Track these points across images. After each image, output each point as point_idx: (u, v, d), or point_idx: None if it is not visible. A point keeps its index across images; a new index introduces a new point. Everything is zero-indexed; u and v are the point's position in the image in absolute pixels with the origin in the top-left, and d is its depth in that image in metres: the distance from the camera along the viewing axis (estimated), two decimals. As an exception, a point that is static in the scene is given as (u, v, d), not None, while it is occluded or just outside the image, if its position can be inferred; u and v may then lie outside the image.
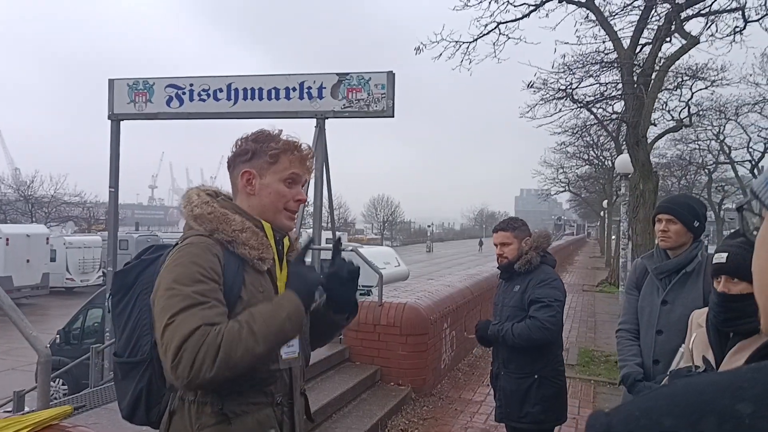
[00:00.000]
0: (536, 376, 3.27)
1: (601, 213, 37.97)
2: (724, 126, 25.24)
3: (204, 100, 8.51)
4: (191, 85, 8.58)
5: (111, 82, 8.99)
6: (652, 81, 7.81)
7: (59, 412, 2.57)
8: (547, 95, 12.15)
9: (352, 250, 7.42)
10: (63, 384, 10.26)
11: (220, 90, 8.41)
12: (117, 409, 1.81)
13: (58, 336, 11.21)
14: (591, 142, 23.55)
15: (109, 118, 8.95)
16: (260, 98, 8.25)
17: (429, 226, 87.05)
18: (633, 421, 0.51)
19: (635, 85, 7.80)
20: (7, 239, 21.97)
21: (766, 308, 0.67)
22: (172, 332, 1.46)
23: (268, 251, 1.70)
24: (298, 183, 1.77)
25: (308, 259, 1.84)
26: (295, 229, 1.92)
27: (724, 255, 2.08)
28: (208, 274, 1.56)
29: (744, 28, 8.43)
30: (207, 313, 1.49)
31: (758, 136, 25.43)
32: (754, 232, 0.73)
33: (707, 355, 2.15)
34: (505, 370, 3.40)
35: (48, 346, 2.61)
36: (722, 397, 0.49)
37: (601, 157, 26.45)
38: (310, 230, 9.14)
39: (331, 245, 1.96)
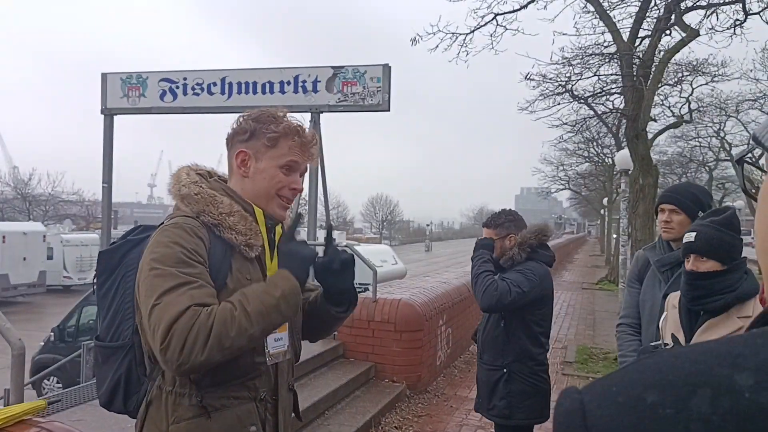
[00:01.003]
0: (504, 370, 3.20)
1: (602, 211, 37.90)
2: (725, 123, 25.12)
3: (198, 95, 8.44)
4: (185, 79, 8.51)
5: (104, 76, 8.93)
6: (652, 74, 7.72)
7: (32, 407, 2.46)
8: (546, 90, 12.06)
9: (346, 247, 7.34)
10: (57, 382, 10.20)
11: (214, 84, 8.34)
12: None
13: (52, 334, 11.12)
14: (590, 138, 23.43)
15: (102, 113, 8.87)
16: (254, 92, 8.19)
17: (428, 225, 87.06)
18: (609, 398, 0.41)
19: (635, 78, 7.70)
20: (4, 237, 21.89)
21: None
22: (160, 313, 1.37)
23: (256, 237, 1.60)
24: (296, 171, 1.67)
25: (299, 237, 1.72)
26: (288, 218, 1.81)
27: (693, 234, 2.17)
28: (193, 257, 1.46)
29: (744, 20, 8.33)
30: (196, 293, 1.40)
31: (759, 133, 25.31)
32: (752, 190, 0.62)
33: (677, 333, 2.21)
34: (480, 360, 3.38)
35: (21, 339, 2.51)
36: (719, 366, 0.39)
37: (601, 154, 26.33)
38: (301, 211, 9.01)
39: (323, 244, 1.85)
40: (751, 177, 0.60)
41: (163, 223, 1.58)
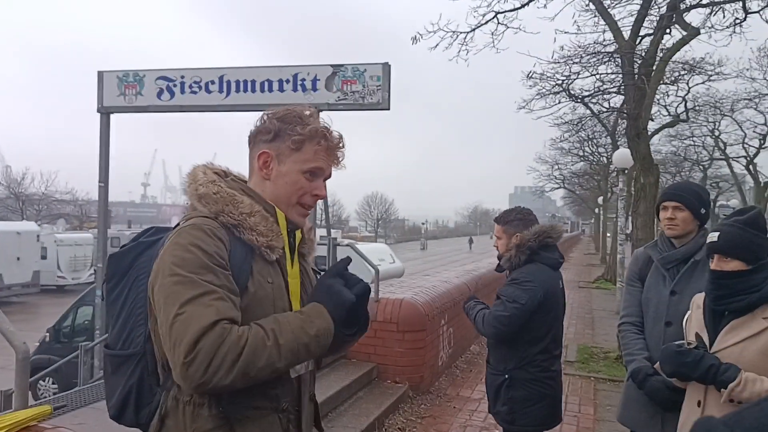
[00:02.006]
0: (506, 376, 3.14)
1: (596, 210, 37.96)
2: (720, 122, 25.16)
3: (195, 93, 8.34)
4: (182, 77, 8.41)
5: (100, 74, 8.82)
6: (654, 72, 7.70)
7: (37, 412, 2.41)
8: (544, 90, 12.04)
9: (348, 245, 7.29)
10: (53, 383, 10.12)
11: (212, 82, 8.24)
12: (104, 409, 1.63)
13: (48, 334, 11.02)
14: (586, 137, 23.45)
15: (98, 111, 8.77)
16: (253, 90, 8.10)
17: (423, 224, 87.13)
18: None
19: (636, 76, 7.67)
20: (-3, 236, 21.73)
21: None
22: (184, 325, 1.28)
23: (278, 239, 1.52)
24: (320, 177, 1.58)
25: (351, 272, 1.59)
26: (309, 224, 1.72)
27: (716, 234, 2.16)
28: (215, 260, 1.38)
29: (744, 19, 8.33)
30: (221, 306, 1.32)
31: (753, 132, 25.38)
32: None
33: (701, 333, 2.22)
34: (488, 363, 3.36)
35: (25, 342, 2.44)
36: None
37: (596, 153, 26.37)
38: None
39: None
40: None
41: (179, 224, 1.50)
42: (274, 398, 1.49)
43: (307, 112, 1.58)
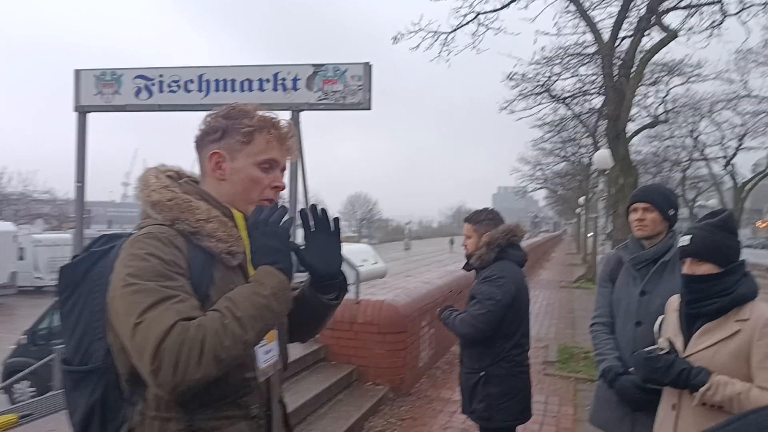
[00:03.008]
0: (482, 373, 3.21)
1: (578, 210, 38.27)
2: (698, 123, 25.54)
3: (174, 92, 8.24)
4: (161, 76, 8.30)
5: (77, 72, 8.67)
6: (633, 74, 7.75)
7: (3, 421, 2.35)
8: (525, 90, 12.09)
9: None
10: (30, 386, 9.92)
11: (191, 81, 8.15)
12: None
13: (24, 336, 10.82)
14: (568, 138, 23.64)
15: (75, 110, 8.63)
16: (233, 90, 8.02)
17: (407, 224, 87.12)
18: None
19: (616, 78, 7.72)
20: (-28, 237, 21.33)
21: None
22: (145, 333, 1.24)
23: (238, 244, 1.47)
24: (276, 166, 1.55)
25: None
26: None
27: (688, 237, 2.15)
28: (173, 269, 1.34)
29: (722, 21, 8.43)
30: (181, 307, 1.28)
31: (731, 132, 25.79)
32: None
33: (674, 338, 2.23)
34: (461, 364, 3.41)
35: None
36: None
37: (578, 154, 26.59)
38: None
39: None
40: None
41: (132, 233, 1.45)
42: (244, 406, 1.46)
43: (250, 107, 1.55)
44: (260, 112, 1.54)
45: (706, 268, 2.12)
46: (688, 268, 2.17)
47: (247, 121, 1.50)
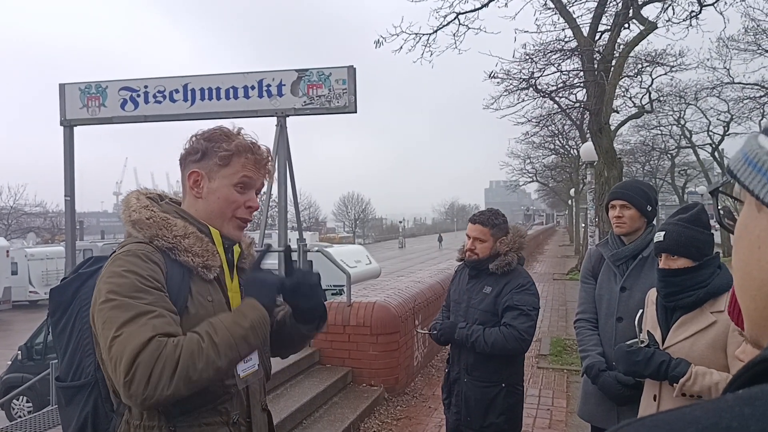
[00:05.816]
0: (503, 385, 3.03)
1: (569, 201, 38.46)
2: (685, 111, 25.74)
3: (160, 102, 8.25)
4: (146, 86, 8.31)
5: (62, 86, 8.67)
6: (613, 68, 7.84)
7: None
8: (511, 86, 12.16)
9: (318, 251, 7.29)
10: (27, 402, 9.92)
11: (176, 91, 8.16)
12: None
13: (20, 352, 10.80)
14: (556, 131, 23.76)
15: (61, 125, 8.64)
16: (218, 98, 8.04)
17: (401, 222, 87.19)
18: None
19: (596, 72, 7.81)
20: (-35, 254, 21.22)
21: (749, 310, 0.53)
22: (121, 346, 1.31)
23: (214, 258, 1.56)
24: (251, 188, 1.63)
25: (270, 263, 1.72)
26: (250, 236, 1.79)
27: (662, 233, 2.21)
28: (150, 283, 1.42)
29: (699, 12, 8.53)
30: (158, 323, 1.35)
31: (717, 119, 26.00)
32: (729, 222, 0.60)
33: (653, 330, 2.30)
34: (469, 376, 3.10)
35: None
36: None
37: (566, 146, 26.72)
38: (273, 235, 8.86)
39: (303, 246, 1.82)
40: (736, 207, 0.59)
41: (114, 251, 1.53)
42: (224, 412, 1.54)
43: (234, 130, 1.62)
44: (240, 137, 1.61)
45: (681, 263, 2.19)
46: (664, 262, 2.23)
47: (225, 145, 1.58)
